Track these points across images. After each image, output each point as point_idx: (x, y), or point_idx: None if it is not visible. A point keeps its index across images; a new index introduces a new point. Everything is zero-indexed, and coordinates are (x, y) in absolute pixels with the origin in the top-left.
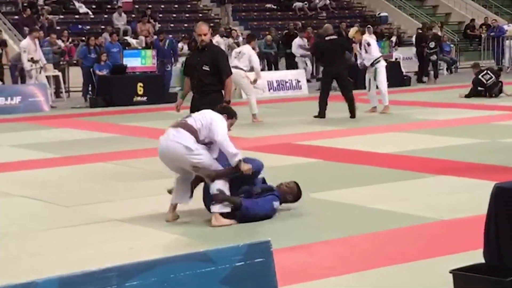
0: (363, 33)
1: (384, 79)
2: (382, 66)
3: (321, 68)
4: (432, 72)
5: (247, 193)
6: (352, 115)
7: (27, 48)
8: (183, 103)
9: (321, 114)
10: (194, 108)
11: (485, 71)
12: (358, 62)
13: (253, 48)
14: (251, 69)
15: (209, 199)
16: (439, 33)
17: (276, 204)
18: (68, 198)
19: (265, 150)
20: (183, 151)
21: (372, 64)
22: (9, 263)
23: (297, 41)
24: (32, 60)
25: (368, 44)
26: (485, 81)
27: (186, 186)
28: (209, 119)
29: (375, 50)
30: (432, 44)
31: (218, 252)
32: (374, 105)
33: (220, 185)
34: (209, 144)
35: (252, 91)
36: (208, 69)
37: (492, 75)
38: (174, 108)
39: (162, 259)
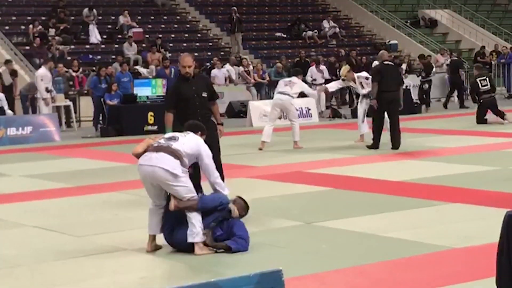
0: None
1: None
2: None
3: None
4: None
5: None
6: (395, 146)
7: (44, 77)
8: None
9: (375, 145)
10: None
11: (485, 77)
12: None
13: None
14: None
15: (177, 228)
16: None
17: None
18: (80, 228)
19: (276, 178)
20: (168, 177)
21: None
22: None
23: (312, 70)
24: (46, 89)
25: (367, 78)
26: (480, 86)
27: (158, 218)
28: (196, 148)
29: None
30: (423, 74)
31: (229, 281)
32: (362, 133)
33: (198, 222)
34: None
35: (297, 118)
36: (206, 95)
37: (489, 84)
38: None
39: None
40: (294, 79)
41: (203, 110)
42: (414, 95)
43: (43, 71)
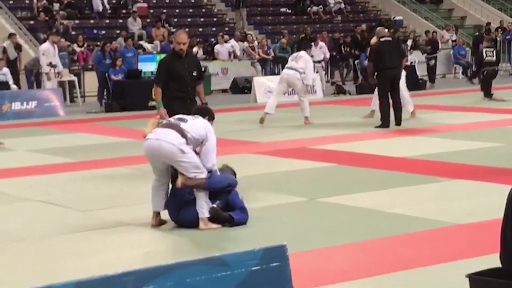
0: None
1: (404, 86)
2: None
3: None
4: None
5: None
6: (398, 122)
7: (46, 51)
8: None
9: (385, 124)
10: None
11: (492, 50)
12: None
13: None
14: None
15: (181, 204)
16: (454, 37)
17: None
18: (84, 203)
19: (280, 154)
20: (175, 152)
21: None
22: (26, 268)
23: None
24: (50, 64)
25: None
26: (485, 56)
27: (162, 194)
28: (204, 133)
29: None
30: (428, 49)
31: (234, 256)
32: (373, 109)
33: (206, 201)
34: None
35: (306, 93)
36: (195, 75)
37: (494, 56)
38: (164, 118)
39: (178, 264)
40: (301, 53)
41: (193, 89)
42: (419, 71)
43: (46, 46)
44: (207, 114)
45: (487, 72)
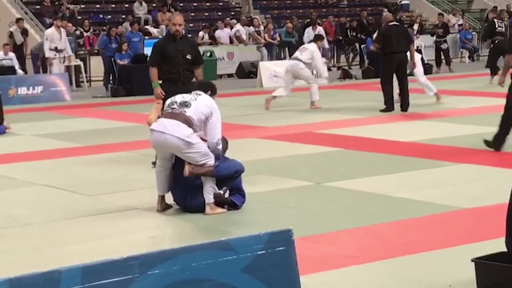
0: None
1: (419, 71)
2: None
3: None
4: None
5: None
6: (404, 108)
7: (51, 36)
8: None
9: (389, 108)
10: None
11: (502, 21)
12: None
13: (319, 48)
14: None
15: (187, 190)
16: (460, 21)
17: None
18: (90, 187)
19: (286, 139)
20: (181, 145)
21: None
22: (32, 252)
23: (309, 31)
24: (56, 49)
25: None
26: (496, 26)
27: (166, 177)
28: (208, 111)
29: None
30: (440, 33)
31: (239, 240)
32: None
33: (213, 186)
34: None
35: (314, 79)
36: (190, 57)
37: (504, 28)
38: (160, 99)
39: (184, 248)
40: (309, 45)
41: (185, 71)
42: (426, 56)
43: (50, 30)
44: (209, 88)
45: (498, 41)
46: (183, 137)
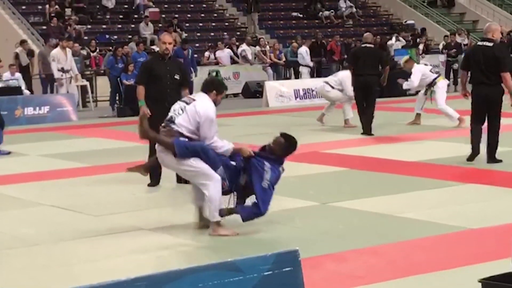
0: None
1: (440, 98)
2: (437, 87)
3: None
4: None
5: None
6: (366, 131)
7: (57, 57)
8: None
9: (365, 131)
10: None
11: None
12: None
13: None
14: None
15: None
16: (466, 41)
17: (272, 180)
18: (97, 208)
19: (292, 159)
20: (175, 162)
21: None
22: (39, 272)
23: (303, 50)
24: (62, 69)
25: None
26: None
27: (199, 188)
28: (197, 122)
29: (424, 76)
30: (453, 53)
31: (246, 261)
32: (418, 113)
33: (218, 203)
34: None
35: (344, 97)
36: (178, 78)
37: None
38: (146, 115)
39: (191, 269)
40: (342, 72)
41: (173, 91)
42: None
43: (56, 51)
44: (213, 87)
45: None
46: (165, 157)
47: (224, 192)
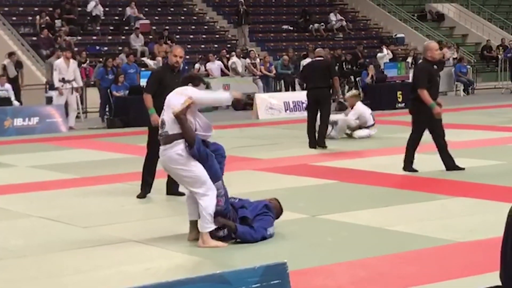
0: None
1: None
2: (364, 131)
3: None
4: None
5: (244, 219)
6: (319, 143)
7: (59, 67)
8: None
9: (310, 144)
10: None
11: None
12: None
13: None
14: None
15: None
16: (455, 55)
17: (270, 230)
18: (86, 219)
19: (282, 171)
20: (180, 163)
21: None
22: (28, 283)
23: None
24: (63, 80)
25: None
26: None
27: (195, 202)
28: (176, 101)
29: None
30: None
31: (234, 274)
32: None
33: (210, 212)
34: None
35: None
36: None
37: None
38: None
39: (179, 281)
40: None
41: None
42: None
43: (59, 61)
44: (190, 81)
45: None
46: (174, 159)
47: (219, 212)
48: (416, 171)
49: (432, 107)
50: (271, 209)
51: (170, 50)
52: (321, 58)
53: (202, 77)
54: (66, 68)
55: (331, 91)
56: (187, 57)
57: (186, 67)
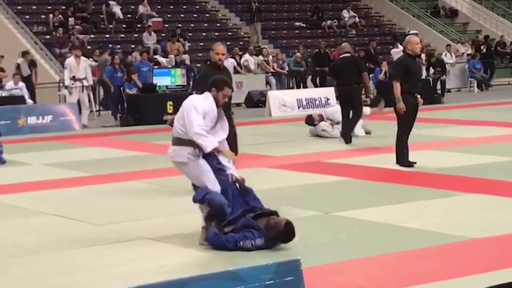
0: None
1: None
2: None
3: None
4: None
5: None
6: (345, 138)
7: (69, 65)
8: None
9: (346, 140)
10: None
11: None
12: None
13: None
14: None
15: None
16: (469, 51)
17: (245, 243)
18: (99, 217)
19: (294, 168)
20: (181, 167)
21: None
22: (41, 281)
23: None
24: (73, 78)
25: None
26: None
27: None
28: (183, 106)
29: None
30: (438, 68)
31: (248, 270)
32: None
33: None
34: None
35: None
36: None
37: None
38: None
39: (193, 278)
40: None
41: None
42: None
43: (70, 59)
44: (211, 85)
45: None
46: (178, 159)
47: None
48: (413, 164)
49: (397, 102)
50: (257, 227)
51: (212, 49)
52: (349, 54)
53: (227, 80)
54: (77, 66)
55: (360, 86)
56: (200, 54)
57: (198, 64)
